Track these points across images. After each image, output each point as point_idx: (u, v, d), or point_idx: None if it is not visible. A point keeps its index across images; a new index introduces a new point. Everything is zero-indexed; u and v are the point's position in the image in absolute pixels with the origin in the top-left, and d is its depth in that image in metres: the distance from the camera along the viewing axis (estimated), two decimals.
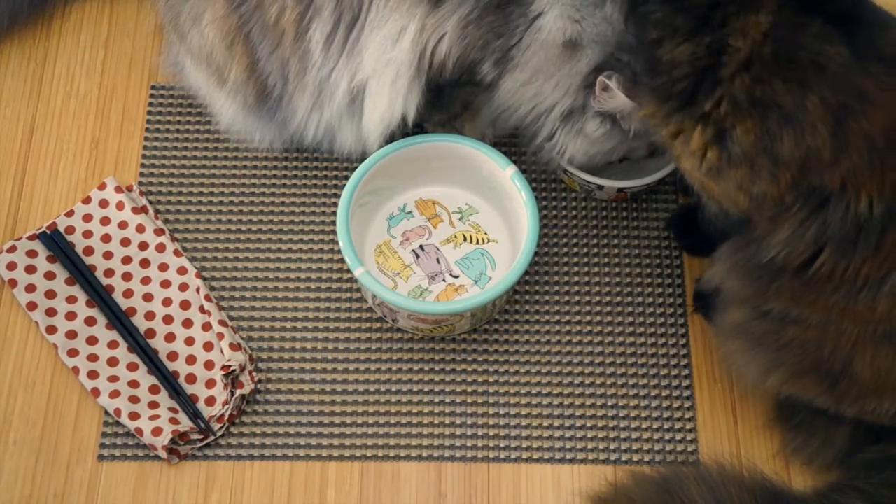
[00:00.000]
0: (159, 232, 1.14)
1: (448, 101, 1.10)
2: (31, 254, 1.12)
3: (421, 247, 1.12)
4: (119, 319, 1.09)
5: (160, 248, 1.13)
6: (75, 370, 1.07)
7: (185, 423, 1.04)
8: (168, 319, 1.10)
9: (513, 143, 1.20)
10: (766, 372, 0.96)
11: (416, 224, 1.13)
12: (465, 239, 1.13)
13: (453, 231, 1.13)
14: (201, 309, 1.10)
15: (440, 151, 1.09)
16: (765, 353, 0.95)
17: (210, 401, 1.06)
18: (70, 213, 1.15)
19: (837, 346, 0.89)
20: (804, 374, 0.93)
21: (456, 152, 1.09)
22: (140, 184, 1.18)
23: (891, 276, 0.83)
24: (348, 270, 1.12)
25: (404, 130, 1.09)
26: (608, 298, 1.13)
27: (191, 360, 1.08)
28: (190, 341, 1.09)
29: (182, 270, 1.12)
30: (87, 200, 1.15)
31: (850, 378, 0.90)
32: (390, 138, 1.08)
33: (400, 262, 1.11)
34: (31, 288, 1.10)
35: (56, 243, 1.12)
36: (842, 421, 0.97)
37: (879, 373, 0.88)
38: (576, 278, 1.14)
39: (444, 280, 1.10)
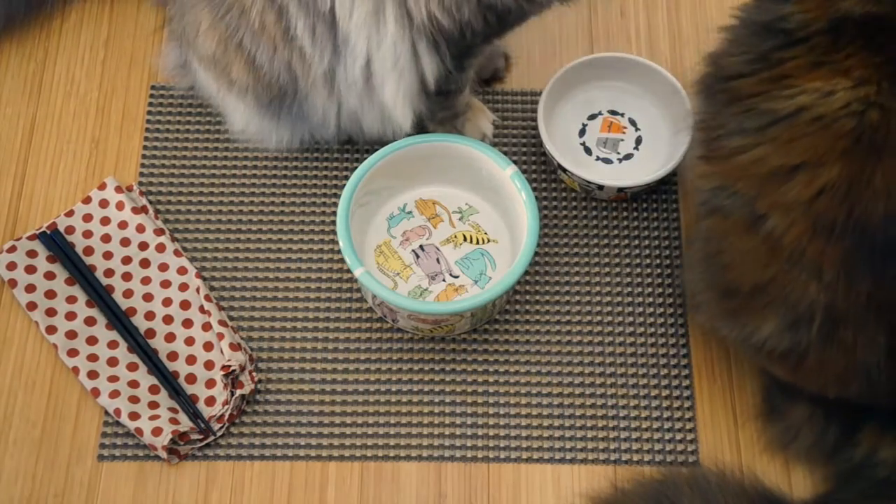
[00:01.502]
0: (159, 232, 1.14)
1: (475, 53, 1.06)
2: (31, 254, 1.12)
3: (421, 247, 1.12)
4: (119, 319, 1.09)
5: (160, 248, 1.13)
6: (75, 370, 1.07)
7: (185, 423, 1.04)
8: (168, 319, 1.10)
9: (512, 144, 1.20)
10: (701, 294, 0.99)
11: (416, 224, 1.13)
12: (465, 239, 1.13)
13: (453, 231, 1.13)
14: (201, 309, 1.10)
15: (440, 151, 1.09)
16: (698, 271, 0.99)
17: (210, 401, 1.06)
18: (70, 213, 1.15)
19: (719, 242, 0.93)
20: (713, 289, 0.97)
21: (456, 152, 1.09)
22: (140, 184, 1.18)
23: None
24: (348, 270, 1.12)
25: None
26: (608, 298, 1.13)
27: (191, 360, 1.08)
28: (190, 341, 1.09)
29: (182, 270, 1.12)
30: (87, 200, 1.15)
31: (727, 268, 0.93)
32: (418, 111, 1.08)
33: (400, 262, 1.11)
34: (31, 288, 1.10)
35: (56, 243, 1.12)
36: (796, 398, 1.00)
37: (744, 259, 0.91)
38: (576, 278, 1.14)
39: (444, 280, 1.10)
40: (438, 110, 1.13)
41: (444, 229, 1.13)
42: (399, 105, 1.05)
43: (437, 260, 1.11)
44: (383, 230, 1.13)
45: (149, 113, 1.22)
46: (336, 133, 1.14)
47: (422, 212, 1.14)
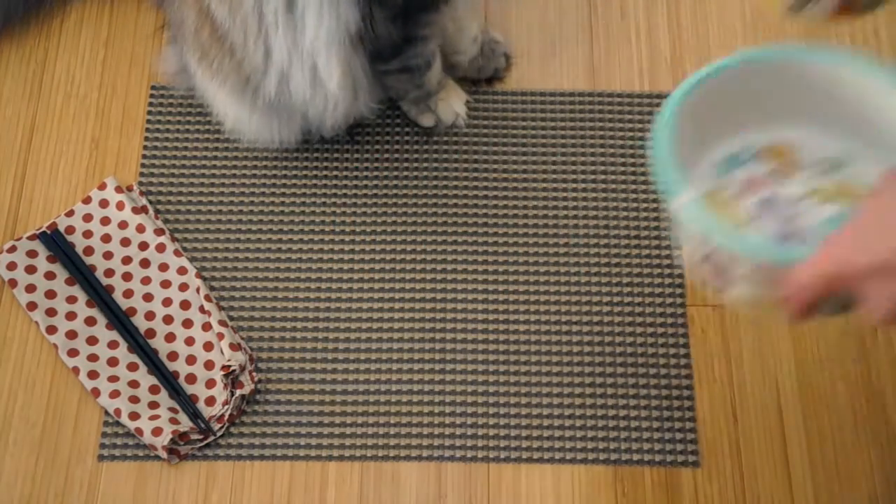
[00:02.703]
0: (159, 232, 1.14)
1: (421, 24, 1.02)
2: (31, 254, 1.12)
3: (765, 200, 0.81)
4: (119, 319, 1.09)
5: (160, 248, 1.13)
6: (75, 370, 1.07)
7: (186, 423, 1.04)
8: (168, 319, 1.10)
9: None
10: None
11: (759, 172, 0.82)
12: (830, 198, 0.79)
13: (813, 186, 0.80)
14: (201, 309, 1.10)
15: (794, 73, 0.79)
16: None
17: (210, 401, 1.06)
18: (70, 213, 1.15)
19: None
20: None
21: (820, 75, 0.78)
22: (140, 184, 1.18)
23: None
24: (349, 269, 1.12)
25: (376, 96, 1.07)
26: (608, 298, 1.13)
27: (191, 360, 1.08)
28: (190, 341, 1.09)
29: (182, 270, 1.12)
30: (87, 200, 1.15)
31: None
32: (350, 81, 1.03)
33: (734, 217, 0.80)
34: (31, 288, 1.10)
35: (56, 243, 1.12)
36: None
37: None
38: (576, 278, 1.14)
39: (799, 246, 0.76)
40: (412, 88, 1.12)
41: (799, 184, 0.81)
42: (323, 51, 0.99)
43: (789, 219, 0.80)
44: (711, 175, 0.83)
45: (149, 113, 1.22)
46: (275, 99, 1.07)
47: (769, 159, 0.84)
